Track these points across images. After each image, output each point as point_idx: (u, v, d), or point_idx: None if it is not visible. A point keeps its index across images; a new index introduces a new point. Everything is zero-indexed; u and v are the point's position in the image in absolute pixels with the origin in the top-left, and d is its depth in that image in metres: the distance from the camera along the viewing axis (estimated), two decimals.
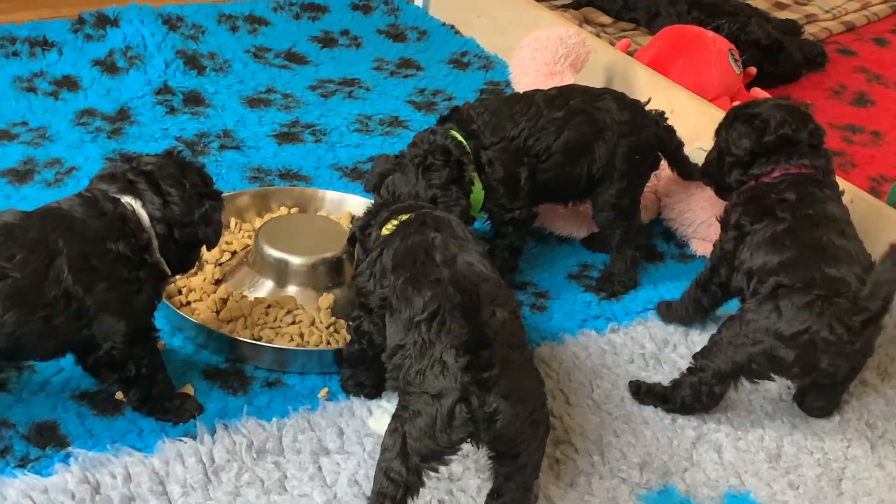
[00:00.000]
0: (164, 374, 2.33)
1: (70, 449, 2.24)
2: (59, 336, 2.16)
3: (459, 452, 2.02)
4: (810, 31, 4.57)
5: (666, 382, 2.56)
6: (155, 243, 2.26)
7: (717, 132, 2.77)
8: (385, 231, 2.33)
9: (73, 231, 2.17)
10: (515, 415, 1.94)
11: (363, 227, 2.44)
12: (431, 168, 2.64)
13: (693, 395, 2.47)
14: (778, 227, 2.49)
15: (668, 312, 2.80)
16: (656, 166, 2.96)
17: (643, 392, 2.54)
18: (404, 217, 2.33)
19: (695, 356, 2.49)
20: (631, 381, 2.57)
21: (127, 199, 2.24)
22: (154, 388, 2.31)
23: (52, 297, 2.11)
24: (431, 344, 1.98)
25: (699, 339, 2.73)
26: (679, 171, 3.01)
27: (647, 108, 2.92)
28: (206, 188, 2.36)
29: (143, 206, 2.26)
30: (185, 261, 2.38)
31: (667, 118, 2.93)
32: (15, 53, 3.71)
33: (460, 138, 2.71)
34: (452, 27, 4.31)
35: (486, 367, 1.91)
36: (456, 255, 2.18)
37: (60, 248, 2.13)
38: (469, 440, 1.98)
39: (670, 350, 2.70)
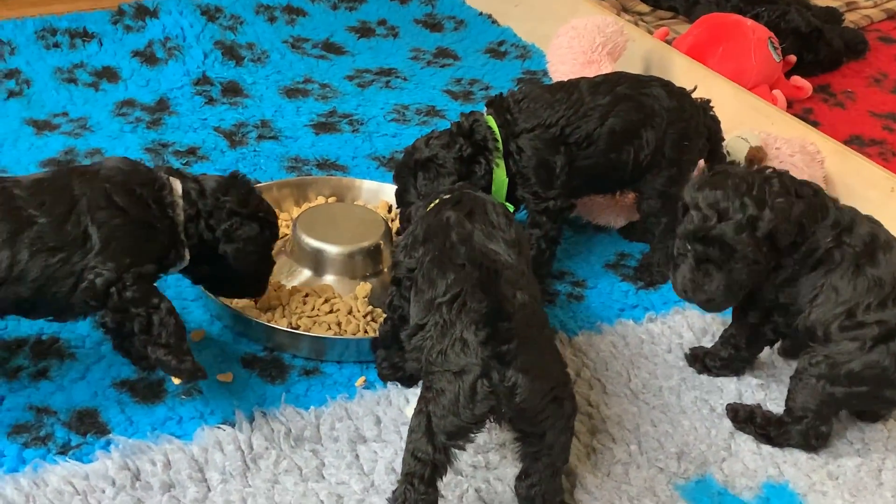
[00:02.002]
0: (167, 317, 2.29)
1: (110, 436, 2.27)
2: (73, 279, 2.19)
3: (495, 439, 2.03)
4: (851, 18, 4.52)
5: (702, 374, 2.56)
6: (180, 212, 2.31)
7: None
8: (428, 209, 2.36)
9: (99, 177, 2.25)
10: (534, 390, 1.95)
11: (409, 215, 2.48)
12: (450, 147, 2.68)
13: (803, 442, 2.40)
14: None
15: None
16: (704, 154, 2.93)
17: (741, 419, 2.45)
18: (446, 196, 2.36)
19: (788, 403, 2.40)
20: (728, 405, 2.49)
21: (167, 175, 2.33)
22: (153, 331, 2.31)
23: (71, 238, 2.18)
24: (452, 324, 2.00)
25: None
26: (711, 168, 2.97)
27: (693, 96, 2.89)
28: (243, 209, 2.37)
29: (181, 183, 2.33)
30: (206, 264, 2.39)
31: (713, 107, 2.91)
32: (56, 45, 3.74)
33: (493, 124, 2.71)
34: (489, 16, 4.30)
35: (506, 339, 1.92)
36: (474, 233, 2.19)
37: (84, 192, 2.22)
38: (492, 416, 1.99)
39: (709, 340, 2.69)
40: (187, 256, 2.35)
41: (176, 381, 2.28)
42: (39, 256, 2.17)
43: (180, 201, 2.32)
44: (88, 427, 2.29)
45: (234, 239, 2.37)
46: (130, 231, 2.24)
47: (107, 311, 2.23)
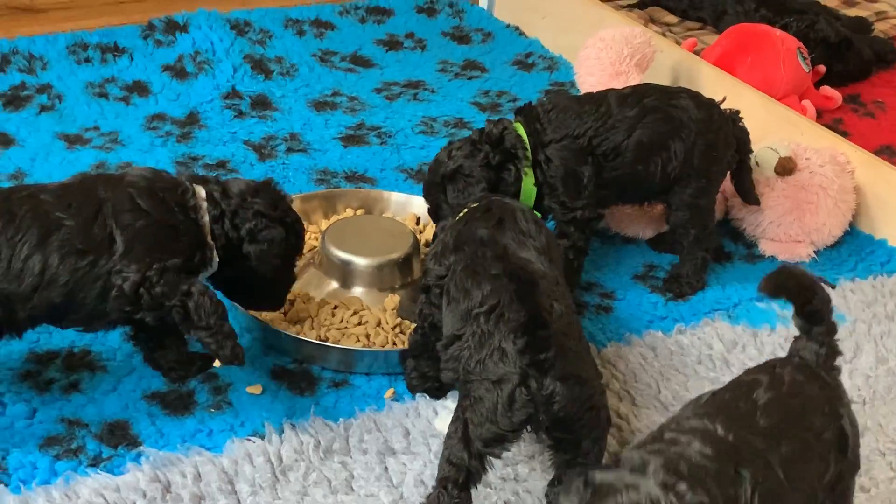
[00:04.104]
0: (176, 329, 2.34)
1: (141, 448, 2.28)
2: (101, 282, 2.20)
3: (524, 451, 2.02)
4: (880, 28, 4.49)
5: None
6: (204, 214, 2.32)
7: None
8: (457, 219, 2.36)
9: (123, 182, 2.28)
10: (572, 398, 1.95)
11: (443, 227, 2.47)
12: (473, 155, 2.67)
13: None
14: None
15: None
16: (733, 165, 2.92)
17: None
18: (475, 205, 2.36)
19: None
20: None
21: (191, 180, 2.35)
22: (166, 337, 2.37)
23: (98, 241, 2.20)
24: (490, 335, 2.00)
25: (768, 339, 2.70)
26: (738, 179, 2.97)
27: (722, 107, 2.88)
28: (270, 211, 2.38)
29: (204, 187, 2.34)
30: (235, 271, 2.39)
31: (742, 118, 2.90)
32: (87, 60, 3.77)
33: (522, 132, 2.72)
34: (517, 28, 4.30)
35: (543, 348, 1.93)
36: (508, 245, 2.19)
37: (109, 196, 2.24)
38: (529, 425, 1.99)
39: (739, 351, 2.68)
40: (216, 259, 2.35)
41: (217, 363, 2.31)
42: (69, 259, 2.18)
43: (204, 203, 2.32)
44: (119, 439, 2.30)
45: (258, 239, 2.36)
46: (154, 232, 2.24)
47: (144, 313, 2.24)
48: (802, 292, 1.87)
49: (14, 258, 2.16)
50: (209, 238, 2.33)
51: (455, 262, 2.20)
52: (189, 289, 2.23)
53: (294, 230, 2.45)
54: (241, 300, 2.52)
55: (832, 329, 1.90)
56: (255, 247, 2.36)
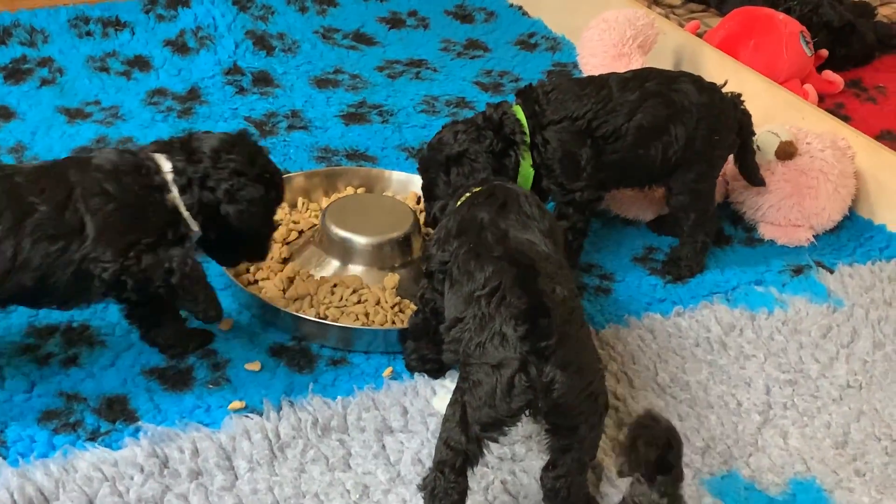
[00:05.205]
0: (172, 306, 2.38)
1: (139, 423, 2.29)
2: (71, 269, 2.20)
3: (521, 431, 2.03)
4: (884, 12, 4.48)
5: (732, 366, 2.55)
6: (173, 190, 2.29)
7: None
8: (459, 203, 2.36)
9: (91, 166, 2.26)
10: (572, 385, 1.95)
11: (443, 208, 2.47)
12: (480, 140, 2.66)
13: None
14: None
15: None
16: (734, 149, 2.92)
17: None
18: (476, 189, 2.36)
19: None
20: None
21: (156, 154, 2.32)
22: (161, 314, 2.38)
23: (69, 227, 2.19)
24: (491, 318, 1.99)
25: (766, 322, 2.71)
26: (742, 162, 2.96)
27: (724, 90, 2.88)
28: (248, 169, 2.33)
29: (168, 158, 2.31)
30: (217, 231, 2.36)
31: (743, 101, 2.89)
32: (88, 33, 3.77)
33: (521, 116, 2.71)
34: (520, 8, 4.29)
35: (545, 336, 1.92)
36: (512, 231, 2.18)
37: (79, 180, 2.23)
38: (528, 410, 1.99)
39: (736, 334, 2.68)
40: (195, 228, 2.33)
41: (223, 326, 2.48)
42: (41, 245, 2.17)
43: (170, 176, 2.29)
44: (117, 414, 2.31)
45: (236, 199, 2.31)
46: (123, 215, 2.23)
47: (129, 293, 2.25)
48: (657, 450, 1.77)
49: None
50: (183, 210, 2.30)
51: (458, 246, 2.20)
52: (171, 266, 2.23)
53: (273, 185, 2.40)
54: (224, 258, 2.50)
55: (679, 477, 1.80)
56: (234, 207, 2.32)
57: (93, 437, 2.25)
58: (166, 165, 2.30)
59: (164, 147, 2.34)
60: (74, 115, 3.35)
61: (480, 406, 1.97)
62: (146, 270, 2.22)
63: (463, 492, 2.05)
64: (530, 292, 1.92)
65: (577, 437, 2.04)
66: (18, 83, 3.49)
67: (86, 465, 2.16)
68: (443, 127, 2.74)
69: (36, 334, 2.49)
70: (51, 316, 2.53)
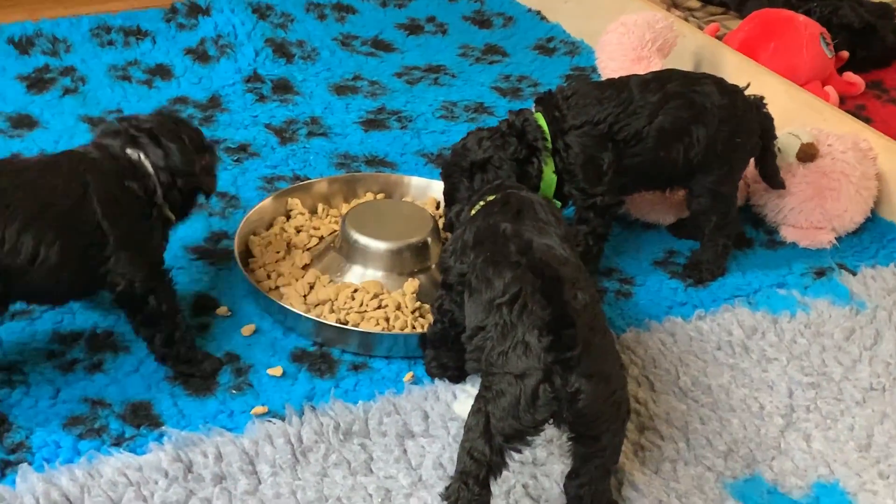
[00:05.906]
0: (182, 318, 2.41)
1: (163, 428, 2.30)
2: (88, 270, 2.26)
3: (542, 435, 2.02)
4: None
5: (754, 370, 2.54)
6: (159, 190, 2.36)
7: None
8: (473, 211, 2.36)
9: (96, 167, 2.30)
10: (597, 395, 1.94)
11: (459, 213, 2.47)
12: (504, 147, 2.67)
13: None
14: None
15: None
16: (756, 152, 2.91)
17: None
18: (490, 197, 2.35)
19: None
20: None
21: (130, 151, 2.36)
22: (176, 331, 2.38)
23: (89, 226, 2.23)
24: (513, 326, 1.97)
25: (788, 325, 2.70)
26: (763, 165, 2.95)
27: (746, 93, 2.87)
28: (203, 141, 2.47)
29: (147, 156, 2.36)
30: (187, 207, 2.50)
31: (766, 104, 2.88)
32: (110, 42, 3.79)
33: (542, 122, 2.72)
34: (538, 13, 4.30)
35: (569, 346, 1.90)
36: (533, 240, 2.17)
37: (89, 182, 2.26)
38: (552, 420, 1.98)
39: (759, 338, 2.68)
40: (172, 217, 2.43)
41: None
42: (60, 243, 2.20)
43: (155, 178, 2.37)
44: (142, 419, 2.32)
45: (211, 171, 2.48)
46: (136, 224, 2.32)
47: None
48: None
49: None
50: (166, 209, 2.40)
51: (475, 256, 2.20)
52: (167, 298, 2.37)
53: (210, 150, 2.51)
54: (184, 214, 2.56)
55: None
56: (210, 178, 2.48)
57: (117, 442, 2.26)
58: (148, 165, 2.37)
59: (132, 140, 2.38)
60: (97, 123, 3.36)
61: (504, 416, 1.96)
62: (152, 285, 2.33)
63: (486, 503, 2.04)
64: (554, 301, 1.89)
65: (600, 445, 2.04)
66: (41, 92, 3.52)
67: (111, 471, 2.18)
68: (468, 133, 2.75)
69: (60, 340, 2.51)
70: (75, 322, 2.55)
